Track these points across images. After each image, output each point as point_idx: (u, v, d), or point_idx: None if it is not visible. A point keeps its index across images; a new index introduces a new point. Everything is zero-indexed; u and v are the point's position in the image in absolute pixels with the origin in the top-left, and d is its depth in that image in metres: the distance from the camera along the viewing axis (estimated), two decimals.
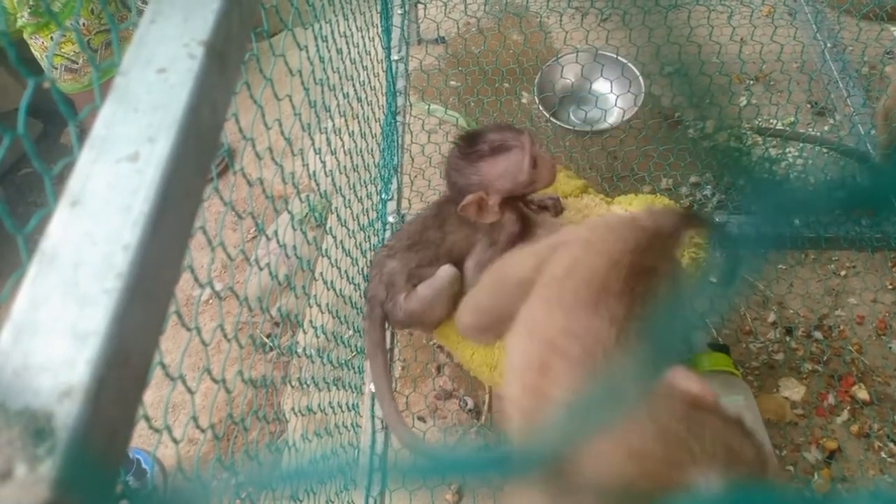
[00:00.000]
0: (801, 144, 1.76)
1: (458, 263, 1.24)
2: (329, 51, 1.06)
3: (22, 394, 0.28)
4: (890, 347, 1.45)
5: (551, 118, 1.89)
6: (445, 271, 1.21)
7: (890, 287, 1.54)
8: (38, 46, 1.92)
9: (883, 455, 1.31)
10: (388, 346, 1.43)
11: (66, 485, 0.27)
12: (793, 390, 1.40)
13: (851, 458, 1.31)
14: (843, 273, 1.57)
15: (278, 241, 0.86)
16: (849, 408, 1.37)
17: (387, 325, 1.32)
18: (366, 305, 1.30)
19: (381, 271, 1.26)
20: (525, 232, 1.24)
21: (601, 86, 1.89)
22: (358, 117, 1.36)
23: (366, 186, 1.46)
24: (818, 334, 1.48)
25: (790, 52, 1.88)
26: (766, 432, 1.23)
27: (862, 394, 1.38)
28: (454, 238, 1.23)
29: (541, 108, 1.91)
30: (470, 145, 1.15)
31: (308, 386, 1.14)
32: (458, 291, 1.23)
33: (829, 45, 1.91)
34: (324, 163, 1.07)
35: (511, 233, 1.20)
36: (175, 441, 0.61)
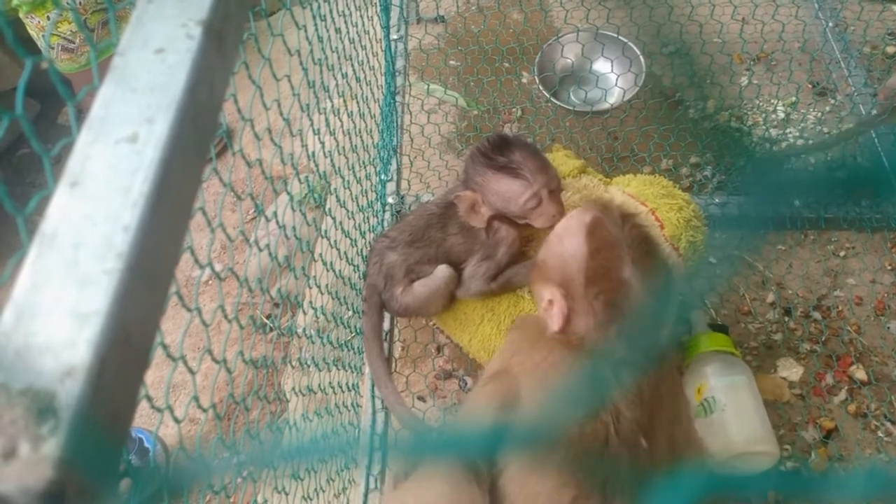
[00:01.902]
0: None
1: (456, 265, 1.25)
2: (327, 30, 1.05)
3: (24, 374, 0.29)
4: (888, 328, 1.45)
5: (552, 98, 1.88)
6: (442, 272, 1.23)
7: (889, 268, 1.54)
8: (34, 26, 1.90)
9: (880, 434, 1.32)
10: (387, 327, 1.43)
11: (69, 464, 0.28)
12: (791, 370, 1.40)
13: (849, 438, 1.32)
14: (842, 254, 1.57)
15: (278, 222, 0.86)
16: (846, 388, 1.38)
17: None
18: (364, 290, 1.31)
19: (381, 261, 1.27)
20: (521, 251, 1.26)
21: (602, 65, 1.87)
22: (357, 98, 1.35)
23: (365, 167, 1.46)
24: (817, 315, 1.48)
25: (792, 32, 1.87)
26: (766, 411, 1.24)
27: (860, 374, 1.38)
28: (454, 241, 1.24)
29: (541, 87, 1.90)
30: (494, 149, 1.14)
31: (308, 366, 1.15)
32: (453, 291, 1.26)
33: (830, 24, 1.90)
34: (323, 143, 1.07)
35: (511, 252, 1.21)
36: (177, 420, 0.62)
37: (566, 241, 0.87)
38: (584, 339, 0.84)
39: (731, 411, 1.21)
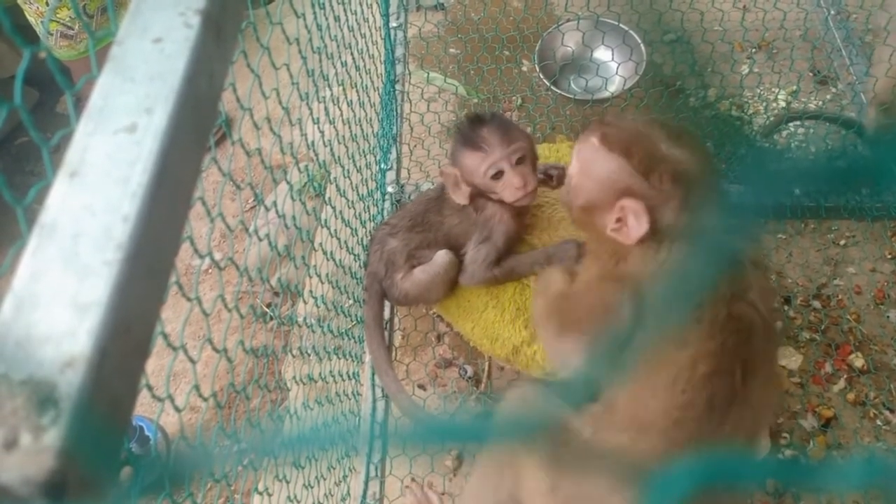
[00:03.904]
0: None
1: (456, 249, 1.26)
2: (326, 18, 1.04)
3: (25, 364, 0.29)
4: (888, 316, 1.45)
5: (552, 86, 1.88)
6: (442, 258, 1.24)
7: (889, 256, 1.54)
8: (33, 12, 1.89)
9: (878, 423, 1.33)
10: (388, 316, 1.44)
11: (70, 453, 0.28)
12: (790, 359, 1.41)
13: (847, 426, 1.33)
14: (842, 242, 1.57)
15: (277, 212, 0.86)
16: (845, 376, 1.38)
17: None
18: (365, 278, 1.31)
19: (381, 249, 1.27)
20: (520, 234, 1.26)
21: (602, 54, 1.87)
22: (356, 86, 1.35)
23: (364, 156, 1.46)
24: (816, 303, 1.48)
25: (793, 20, 1.86)
26: None
27: (859, 362, 1.39)
28: (451, 222, 1.25)
29: (541, 76, 1.89)
30: (468, 125, 1.17)
31: (308, 355, 1.15)
32: (453, 277, 1.26)
33: (832, 12, 1.89)
34: (322, 132, 1.06)
35: (507, 233, 1.22)
36: (177, 409, 0.62)
37: (595, 166, 0.88)
38: (668, 233, 0.83)
39: None
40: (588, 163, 0.90)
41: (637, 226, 0.84)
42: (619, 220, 0.86)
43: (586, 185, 0.91)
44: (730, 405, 0.78)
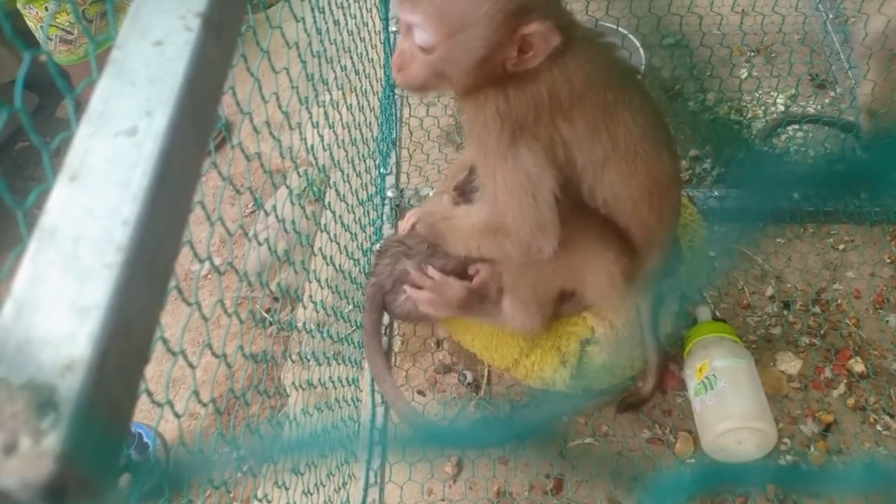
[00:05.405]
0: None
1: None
2: (326, 22, 1.05)
3: (25, 368, 0.29)
4: (887, 321, 1.45)
5: None
6: None
7: (888, 261, 1.54)
8: (33, 17, 1.89)
9: (878, 428, 1.33)
10: (387, 321, 1.44)
11: (70, 458, 0.28)
12: (790, 364, 1.40)
13: (847, 431, 1.33)
14: (841, 247, 1.57)
15: (277, 216, 0.86)
16: (845, 381, 1.38)
17: None
18: (369, 287, 1.31)
19: (393, 265, 1.27)
20: None
21: None
22: (356, 90, 1.35)
23: (364, 161, 1.46)
24: (816, 308, 1.48)
25: (792, 24, 1.87)
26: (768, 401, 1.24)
27: (858, 367, 1.38)
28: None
29: None
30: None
31: (308, 360, 1.15)
32: None
33: (830, 16, 1.89)
34: (322, 137, 1.06)
35: None
36: (177, 415, 0.62)
37: (467, 4, 0.75)
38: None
39: (730, 388, 1.22)
40: (454, 8, 0.74)
41: (545, 44, 0.75)
42: (520, 50, 0.75)
43: (466, 36, 0.75)
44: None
